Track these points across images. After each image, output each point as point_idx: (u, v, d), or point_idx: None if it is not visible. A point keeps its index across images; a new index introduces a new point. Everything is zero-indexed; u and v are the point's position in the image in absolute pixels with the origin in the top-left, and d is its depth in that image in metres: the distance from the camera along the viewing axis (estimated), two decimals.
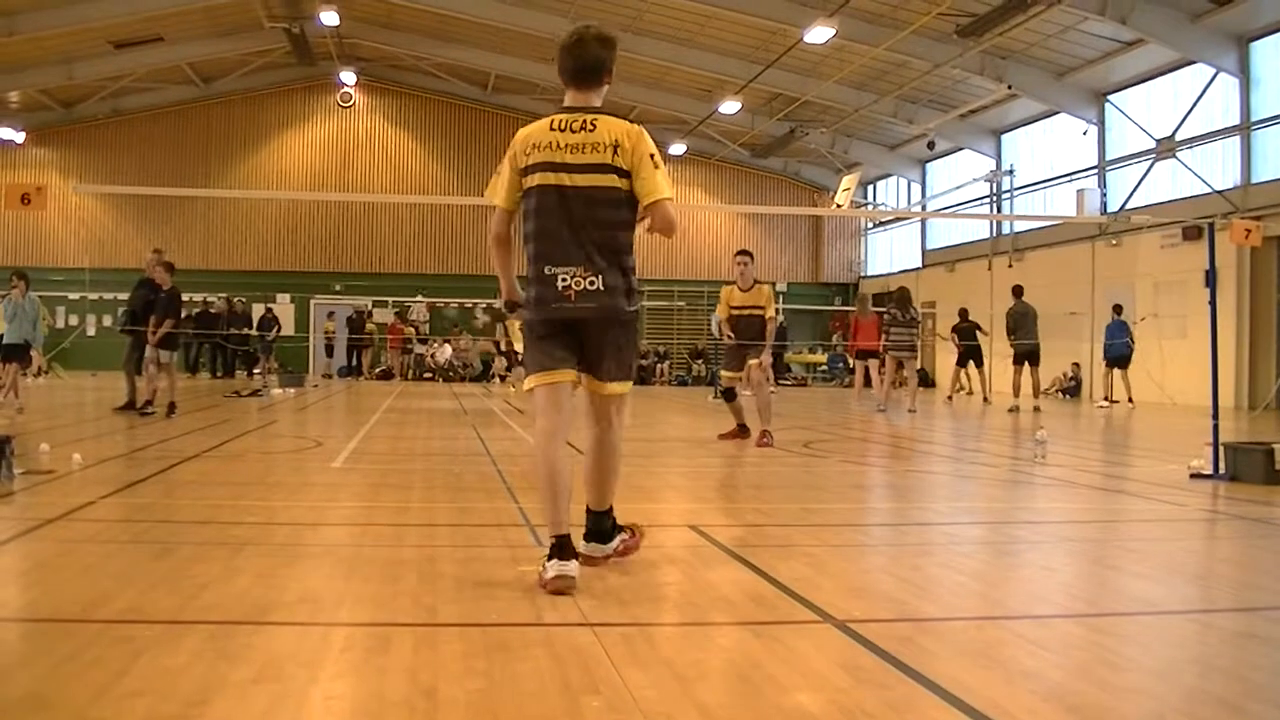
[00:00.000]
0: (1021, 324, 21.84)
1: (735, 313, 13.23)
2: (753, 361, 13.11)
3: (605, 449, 5.40)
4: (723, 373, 13.86)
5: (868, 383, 22.75)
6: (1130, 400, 24.22)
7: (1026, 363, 21.77)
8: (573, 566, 4.85)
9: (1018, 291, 22.35)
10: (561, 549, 4.87)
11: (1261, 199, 22.99)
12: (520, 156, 5.23)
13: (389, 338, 36.86)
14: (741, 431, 13.32)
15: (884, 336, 20.69)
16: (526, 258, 5.25)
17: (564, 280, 5.07)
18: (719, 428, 13.92)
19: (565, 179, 5.10)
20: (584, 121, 5.13)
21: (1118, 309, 24.68)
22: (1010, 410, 21.07)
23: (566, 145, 5.10)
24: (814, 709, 3.35)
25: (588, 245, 5.08)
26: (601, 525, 5.43)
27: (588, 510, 5.42)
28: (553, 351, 5.17)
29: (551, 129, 5.17)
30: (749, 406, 13.47)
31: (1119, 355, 24.36)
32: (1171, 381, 24.26)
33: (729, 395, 13.72)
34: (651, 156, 5.14)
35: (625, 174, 5.10)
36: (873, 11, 26.92)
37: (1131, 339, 24.29)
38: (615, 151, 5.07)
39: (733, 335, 13.31)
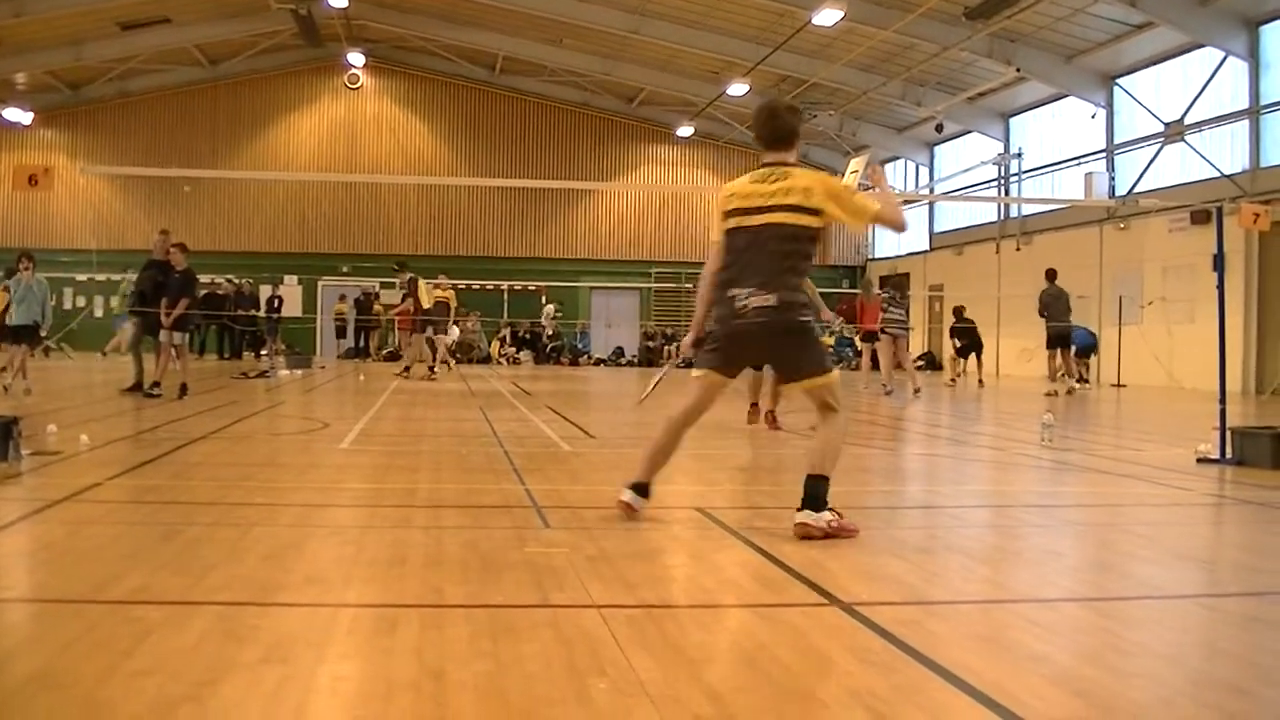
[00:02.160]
0: (1054, 307, 21.79)
1: None
2: None
3: (826, 427, 6.16)
4: None
5: (875, 366, 22.70)
6: (1069, 378, 24.50)
7: (1060, 345, 21.76)
8: (631, 495, 6.22)
9: (1051, 275, 22.26)
10: (635, 487, 6.26)
11: (1270, 183, 22.90)
12: (724, 203, 6.25)
13: (397, 319, 36.77)
14: (755, 411, 13.14)
15: (881, 316, 20.66)
16: (719, 285, 6.21)
17: (740, 300, 5.98)
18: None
19: (753, 220, 6.06)
20: (779, 174, 6.08)
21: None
22: (1047, 394, 20.89)
23: (762, 193, 6.06)
24: (821, 692, 3.36)
25: (764, 271, 5.97)
26: (816, 490, 5.86)
27: (806, 476, 5.90)
28: (718, 359, 6.27)
29: (752, 182, 6.17)
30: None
31: (1083, 342, 24.71)
32: (1179, 366, 24.23)
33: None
34: (844, 190, 6.33)
35: (816, 212, 6.00)
36: None
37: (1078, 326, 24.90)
38: (806, 194, 5.97)
39: None
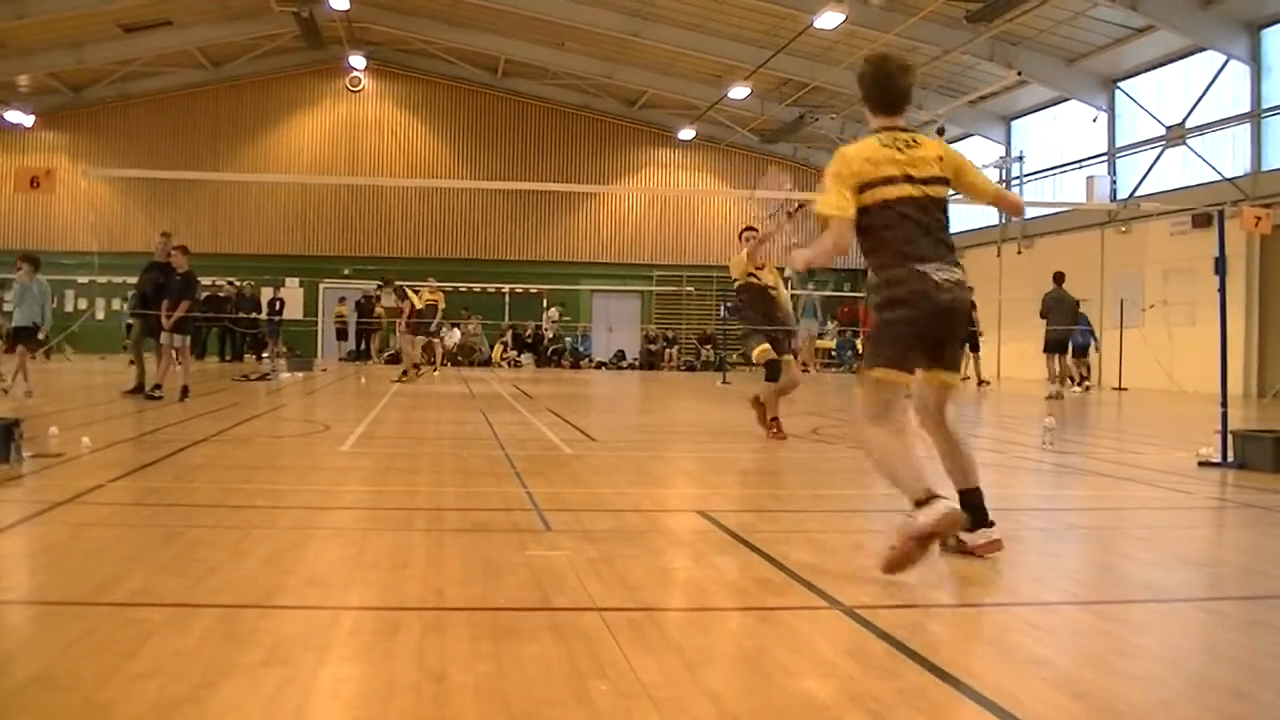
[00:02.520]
0: (1057, 310, 21.77)
1: (753, 281, 11.98)
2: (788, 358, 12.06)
3: (955, 433, 5.66)
4: (766, 348, 11.90)
5: None
6: (1071, 381, 24.63)
7: (1058, 350, 21.76)
8: (951, 503, 5.09)
9: (1058, 278, 22.26)
10: (934, 498, 5.02)
11: (1271, 186, 22.91)
12: (858, 173, 5.39)
13: (398, 322, 36.71)
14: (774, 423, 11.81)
15: None
16: (882, 261, 5.43)
17: (936, 274, 5.27)
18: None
19: (914, 190, 5.37)
20: (909, 140, 5.47)
21: (1076, 303, 25.11)
22: (1047, 397, 20.86)
23: (900, 160, 5.39)
24: (822, 696, 3.35)
25: (941, 244, 5.40)
26: (982, 504, 5.54)
27: (969, 493, 5.54)
28: (908, 352, 5.39)
29: (883, 146, 5.44)
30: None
31: (1078, 343, 24.77)
32: (1180, 369, 24.23)
33: (776, 371, 11.83)
34: (967, 162, 5.70)
35: (946, 182, 5.52)
36: None
37: (1092, 330, 25.21)
38: (940, 164, 5.47)
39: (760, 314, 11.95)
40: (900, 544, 4.93)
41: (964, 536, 5.44)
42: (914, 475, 5.18)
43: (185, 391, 15.48)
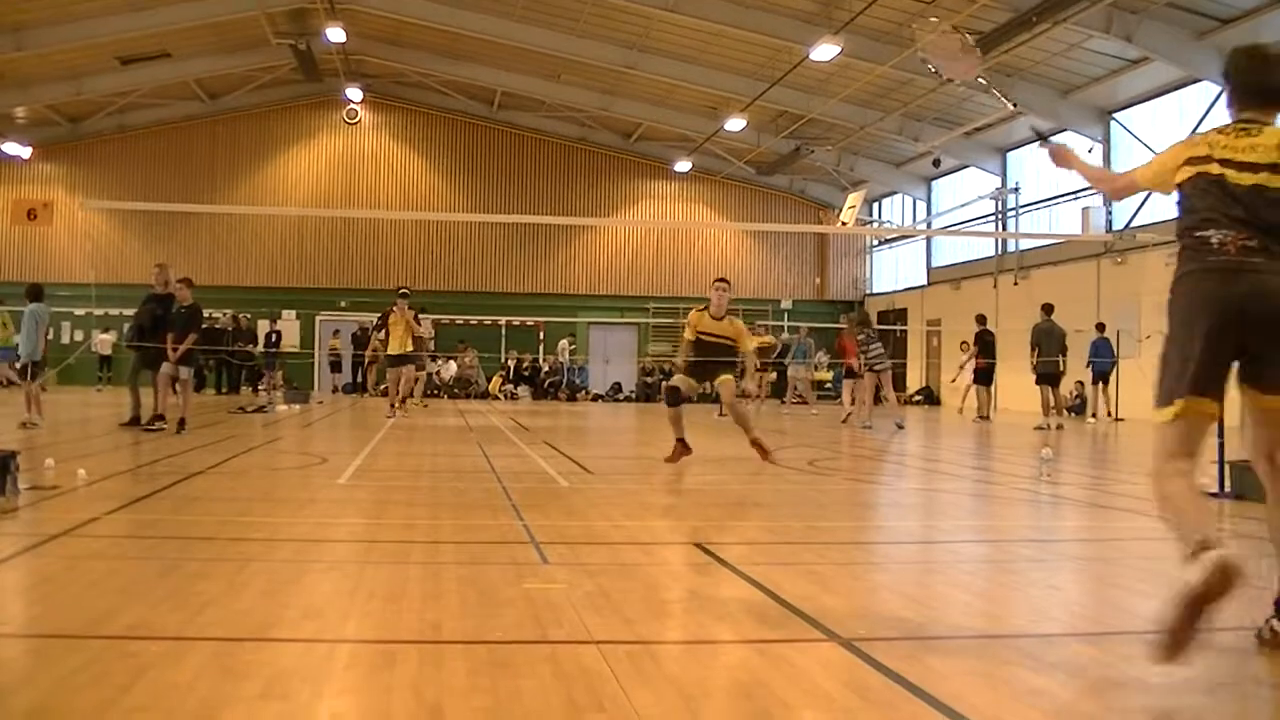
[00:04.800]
0: (1046, 342, 21.77)
1: (703, 338, 12.18)
2: (728, 378, 12.33)
3: None
4: (681, 376, 12.60)
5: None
6: (1110, 414, 24.63)
7: (1048, 383, 21.71)
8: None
9: (1047, 309, 22.29)
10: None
11: None
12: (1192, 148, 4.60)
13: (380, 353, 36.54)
14: (682, 447, 12.24)
15: (862, 355, 20.65)
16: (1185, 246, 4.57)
17: (1217, 238, 4.39)
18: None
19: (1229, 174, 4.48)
20: (1258, 130, 4.51)
21: (1100, 326, 25.01)
22: (1036, 429, 20.83)
23: (1239, 148, 4.46)
24: None
25: (1252, 224, 4.39)
26: None
27: None
28: (1204, 367, 4.46)
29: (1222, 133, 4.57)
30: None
31: (1102, 372, 24.85)
32: None
33: (674, 398, 12.35)
34: None
35: None
36: (878, 29, 26.93)
37: (1115, 356, 24.91)
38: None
39: (690, 357, 12.30)
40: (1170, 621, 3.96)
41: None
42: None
43: (182, 424, 15.44)
